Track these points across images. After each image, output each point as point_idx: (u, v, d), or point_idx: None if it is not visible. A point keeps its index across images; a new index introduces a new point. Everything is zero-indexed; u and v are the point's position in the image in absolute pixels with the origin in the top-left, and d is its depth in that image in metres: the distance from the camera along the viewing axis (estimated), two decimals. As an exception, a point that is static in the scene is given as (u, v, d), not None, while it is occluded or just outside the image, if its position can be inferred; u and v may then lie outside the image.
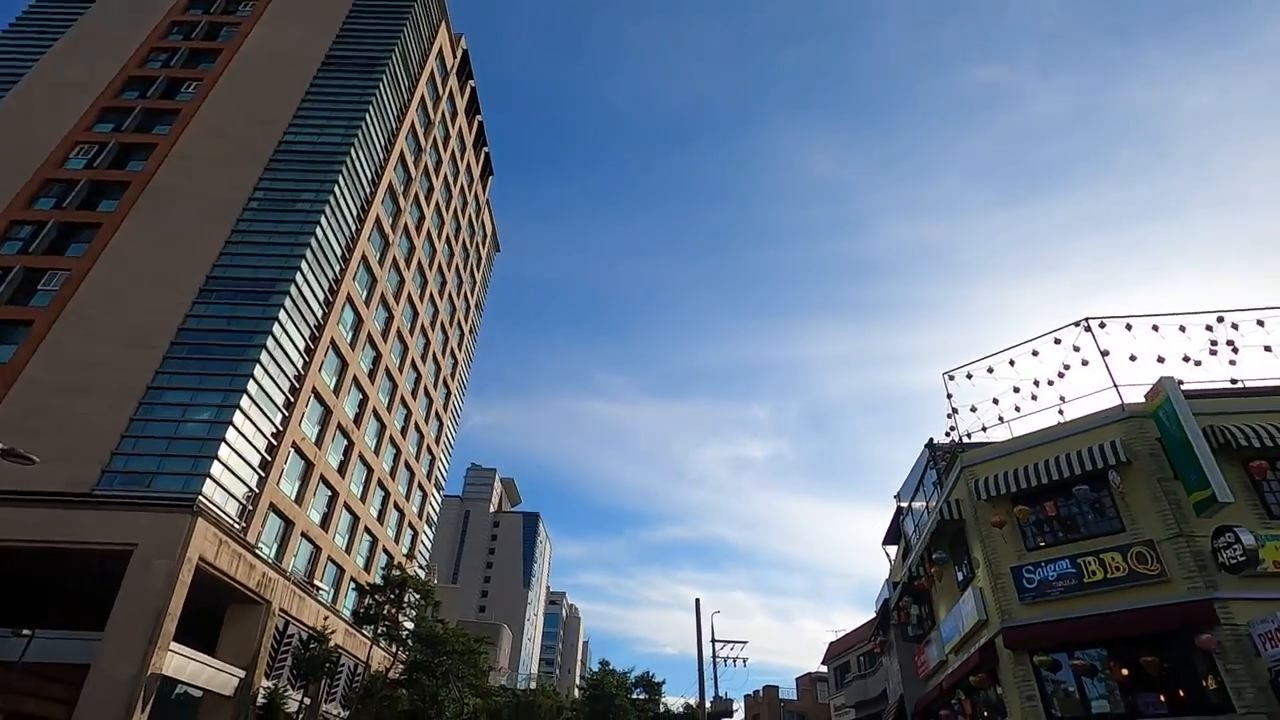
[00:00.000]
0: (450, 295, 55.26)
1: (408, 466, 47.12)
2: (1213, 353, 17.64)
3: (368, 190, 38.09)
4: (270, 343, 28.82)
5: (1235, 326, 17.77)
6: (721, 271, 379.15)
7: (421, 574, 45.47)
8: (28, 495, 23.17)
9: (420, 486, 50.10)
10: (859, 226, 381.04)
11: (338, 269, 34.54)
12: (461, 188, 56.83)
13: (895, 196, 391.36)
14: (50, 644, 21.77)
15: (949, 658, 20.66)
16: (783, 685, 55.04)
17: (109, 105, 38.75)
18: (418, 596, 32.70)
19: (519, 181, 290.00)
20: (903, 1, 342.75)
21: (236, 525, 26.45)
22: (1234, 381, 17.52)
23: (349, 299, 35.99)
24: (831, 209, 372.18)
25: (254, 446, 27.74)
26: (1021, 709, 16.01)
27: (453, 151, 53.75)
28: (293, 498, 31.21)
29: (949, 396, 20.64)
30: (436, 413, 53.39)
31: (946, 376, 20.84)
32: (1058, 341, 19.07)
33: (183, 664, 23.50)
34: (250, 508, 27.57)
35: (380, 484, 41.93)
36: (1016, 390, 19.33)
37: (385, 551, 42.85)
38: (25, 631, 21.63)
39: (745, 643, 35.60)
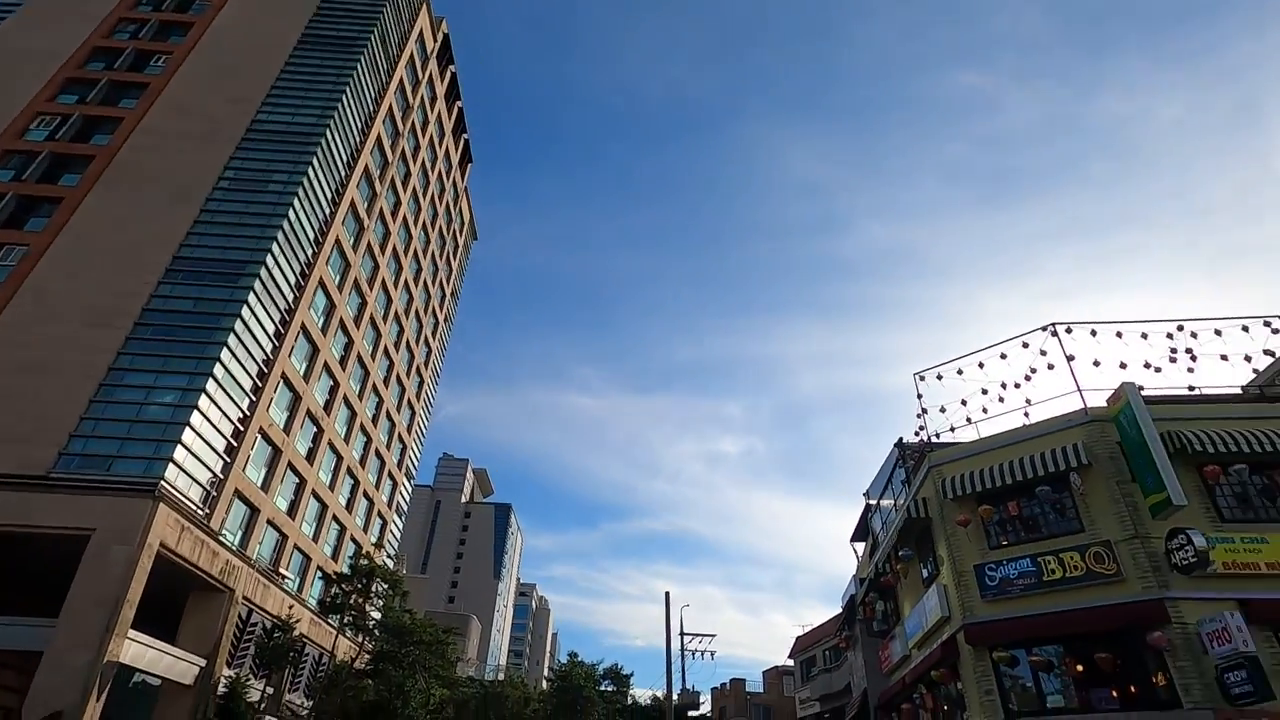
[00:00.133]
0: (426, 283, 54.57)
1: (378, 455, 46.54)
2: (1172, 360, 18.20)
3: (343, 173, 37.38)
4: (239, 326, 28.19)
5: (1194, 335, 18.35)
6: (701, 268, 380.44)
7: (390, 563, 45.03)
8: (-21, 477, 22.42)
9: (390, 475, 49.54)
10: (839, 227, 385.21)
11: (310, 252, 33.87)
12: (440, 174, 56.07)
13: (875, 198, 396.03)
14: (1, 630, 21.14)
15: (912, 653, 21.07)
16: (750, 678, 55.73)
17: (73, 76, 37.43)
18: (386, 586, 32.37)
19: (501, 171, 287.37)
20: (887, 6, 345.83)
21: (200, 511, 25.90)
22: (1191, 389, 18.09)
23: (321, 283, 35.33)
24: (814, 209, 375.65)
25: (219, 431, 27.15)
26: (980, 703, 16.40)
27: (431, 137, 52.97)
28: (259, 484, 30.64)
29: (919, 397, 21.02)
30: (409, 401, 52.79)
31: (917, 377, 21.21)
32: (1025, 345, 19.51)
33: (141, 652, 22.99)
34: (214, 494, 27.01)
35: (350, 472, 41.37)
36: (985, 392, 19.76)
37: (353, 540, 42.32)
38: (-26, 617, 20.98)
39: (714, 636, 35.92)
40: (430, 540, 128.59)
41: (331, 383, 37.92)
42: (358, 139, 39.16)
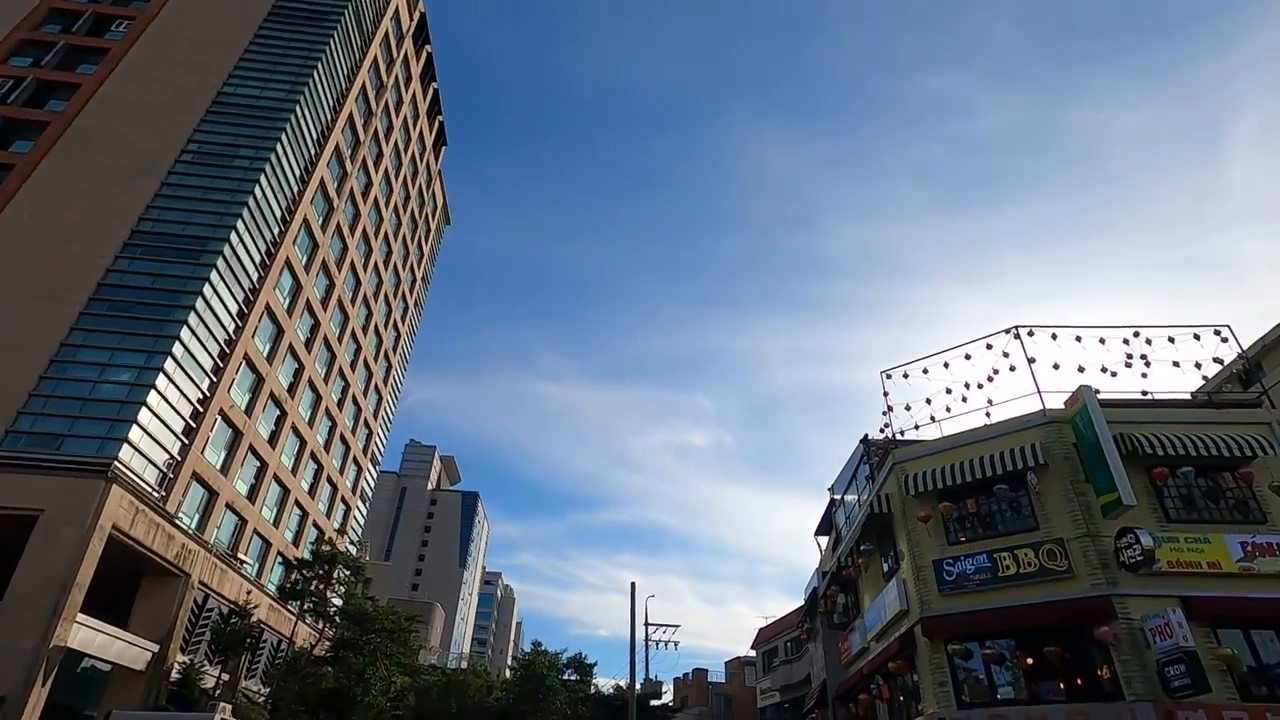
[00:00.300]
0: (396, 266, 53.66)
1: (343, 440, 45.80)
2: (1128, 365, 18.79)
3: (313, 151, 36.47)
4: (200, 304, 27.40)
5: (1149, 341, 18.96)
6: (676, 261, 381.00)
7: (353, 550, 44.43)
8: (-81, 454, 21.50)
9: (356, 461, 48.80)
10: (811, 224, 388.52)
11: (276, 231, 33.03)
12: (413, 156, 55.07)
13: (846, 196, 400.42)
14: (-60, 613, 20.35)
15: (871, 645, 21.52)
16: (713, 669, 56.33)
17: (27, 38, 35.86)
18: (348, 573, 31.92)
19: (472, 151, 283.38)
20: (867, 7, 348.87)
21: (155, 493, 25.20)
22: (1145, 393, 18.71)
23: (288, 263, 34.49)
24: (785, 204, 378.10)
25: (178, 412, 26.42)
26: (935, 694, 16.84)
27: (405, 118, 51.95)
28: (218, 467, 29.93)
29: (885, 394, 21.39)
30: (376, 386, 51.98)
31: (884, 375, 21.56)
32: (989, 347, 19.96)
33: (90, 636, 22.34)
34: (171, 476, 26.31)
35: (313, 457, 40.64)
36: (949, 391, 20.18)
37: (316, 526, 41.65)
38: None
39: (678, 626, 36.26)
40: (395, 527, 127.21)
41: (296, 365, 37.14)
42: (329, 116, 38.23)
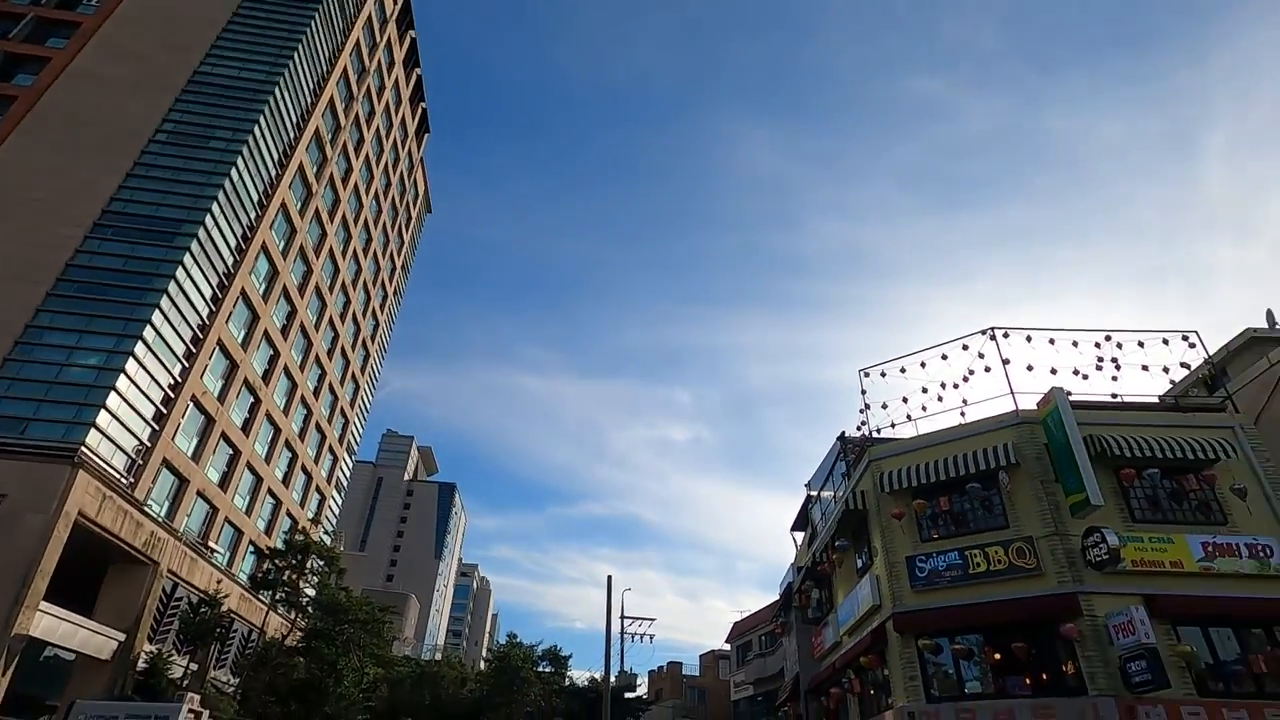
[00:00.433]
0: (375, 254, 52.95)
1: (319, 429, 45.21)
2: (1099, 368, 19.17)
3: (292, 134, 35.80)
4: (172, 288, 26.82)
5: (1119, 346, 19.37)
6: (657, 255, 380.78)
7: (327, 540, 43.92)
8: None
9: (331, 450, 48.22)
10: (794, 222, 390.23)
11: (253, 215, 32.40)
12: (395, 142, 54.31)
13: (830, 196, 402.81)
14: (-104, 600, 19.80)
15: (843, 639, 21.79)
16: (687, 662, 56.76)
17: (-5, 8, 34.73)
18: (321, 563, 31.60)
19: (457, 142, 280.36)
20: (849, 6, 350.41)
21: (123, 480, 24.69)
22: (1114, 396, 19.13)
23: (264, 248, 33.87)
24: (769, 202, 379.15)
25: (148, 397, 25.86)
26: (905, 688, 17.11)
27: (387, 103, 51.19)
28: (189, 454, 29.38)
29: (863, 393, 21.61)
30: (353, 375, 51.35)
31: (862, 373, 21.78)
32: (965, 348, 20.25)
33: (54, 625, 21.89)
34: (140, 462, 25.78)
35: (288, 445, 40.07)
36: (925, 391, 20.45)
37: (289, 515, 41.11)
38: None
39: (654, 620, 36.34)
40: (370, 518, 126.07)
41: (271, 352, 36.55)
42: (309, 99, 37.55)
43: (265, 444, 37.26)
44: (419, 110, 60.00)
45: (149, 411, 25.98)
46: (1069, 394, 17.99)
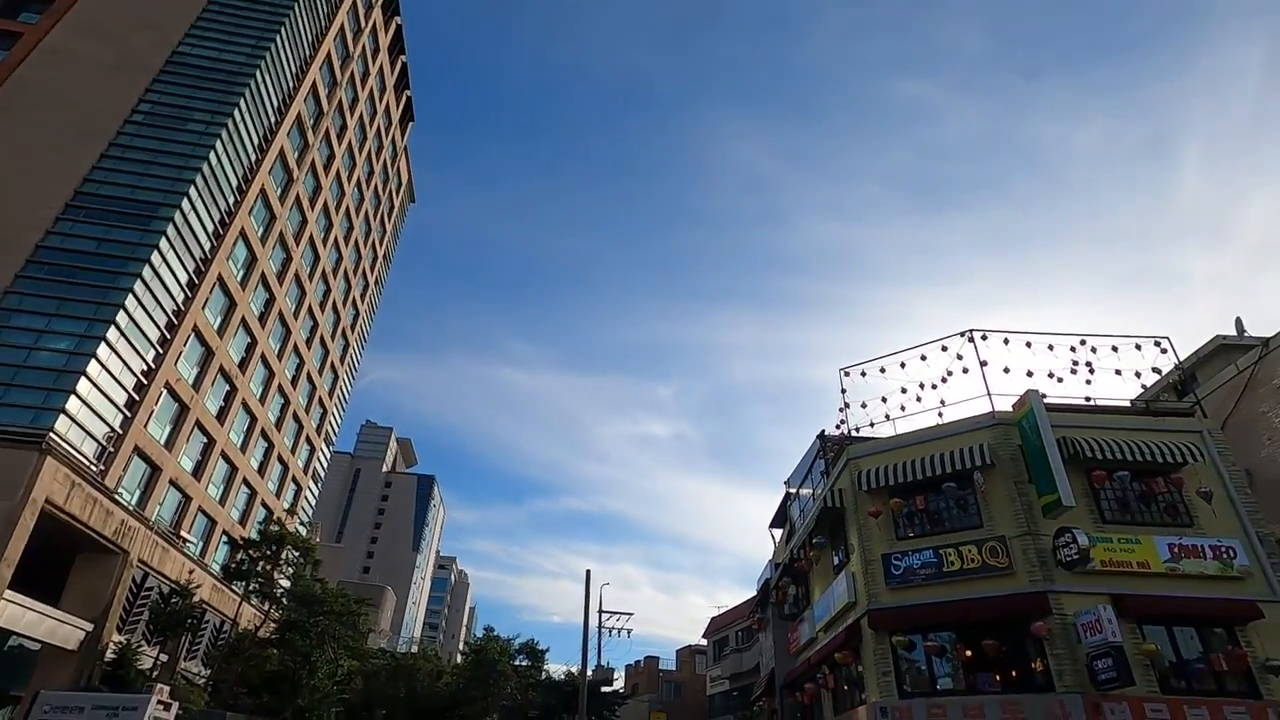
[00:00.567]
0: (357, 242, 52.30)
1: (296, 419, 44.63)
2: (1073, 371, 19.51)
3: (273, 119, 35.18)
4: (147, 272, 26.27)
5: (1094, 350, 19.73)
6: (643, 251, 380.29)
7: (303, 531, 43.44)
8: None
9: (309, 440, 47.64)
10: (782, 221, 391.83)
11: (232, 200, 31.82)
12: (379, 129, 53.61)
13: (818, 196, 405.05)
14: None
15: (819, 635, 22.01)
16: (664, 657, 57.01)
17: (-36, -20, 33.67)
18: (297, 554, 31.23)
19: (443, 135, 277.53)
20: (839, 7, 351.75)
21: (93, 467, 24.19)
22: (1088, 399, 19.48)
23: (243, 234, 33.29)
24: (759, 201, 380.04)
25: (120, 383, 25.34)
26: (878, 684, 17.34)
27: (371, 90, 50.50)
28: (162, 442, 28.87)
29: (844, 391, 21.80)
30: (333, 365, 50.75)
31: (843, 373, 21.97)
32: (944, 349, 20.50)
33: (18, 614, 21.43)
34: (111, 449, 25.27)
35: (264, 434, 39.52)
36: (904, 391, 20.68)
37: (264, 505, 40.58)
38: None
39: (631, 614, 36.54)
40: (348, 509, 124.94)
41: (249, 340, 35.99)
42: (291, 84, 36.92)
43: (241, 433, 36.72)
44: (404, 98, 59.27)
45: (121, 398, 25.47)
46: (1044, 396, 18.28)
